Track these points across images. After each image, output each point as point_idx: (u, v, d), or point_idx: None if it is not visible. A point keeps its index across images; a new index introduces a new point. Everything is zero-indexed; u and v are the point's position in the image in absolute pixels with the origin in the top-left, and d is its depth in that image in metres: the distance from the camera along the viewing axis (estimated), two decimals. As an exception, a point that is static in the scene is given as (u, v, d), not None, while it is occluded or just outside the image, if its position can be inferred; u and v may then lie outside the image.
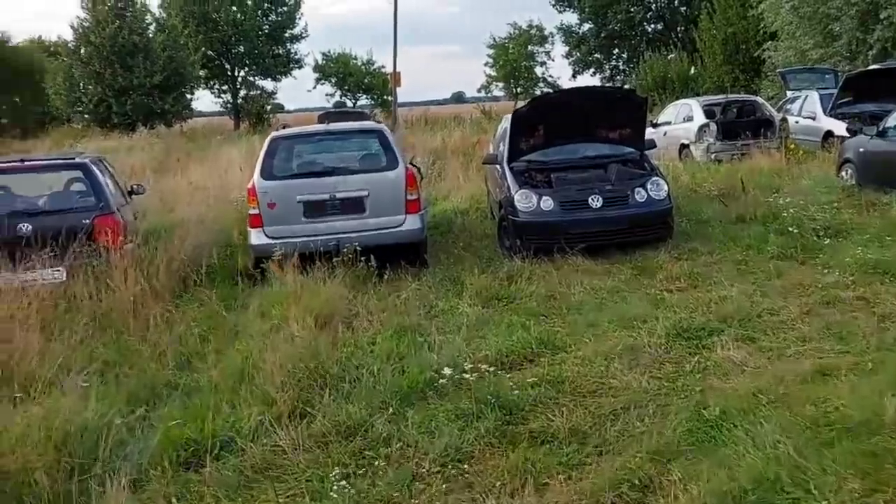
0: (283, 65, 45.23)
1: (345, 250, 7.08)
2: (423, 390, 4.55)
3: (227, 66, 44.26)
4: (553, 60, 52.00)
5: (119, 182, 8.59)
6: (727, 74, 28.36)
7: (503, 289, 6.93)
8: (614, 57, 43.16)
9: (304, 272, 6.67)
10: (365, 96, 47.97)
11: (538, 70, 48.86)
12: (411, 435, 4.00)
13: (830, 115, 13.94)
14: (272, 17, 44.88)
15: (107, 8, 32.25)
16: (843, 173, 10.38)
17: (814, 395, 4.22)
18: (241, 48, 43.57)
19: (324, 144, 8.58)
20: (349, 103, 46.46)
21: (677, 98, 21.89)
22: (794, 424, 3.87)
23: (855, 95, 13.51)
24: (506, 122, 9.79)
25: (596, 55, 42.78)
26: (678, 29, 39.65)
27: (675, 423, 4.01)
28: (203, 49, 39.64)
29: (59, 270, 6.71)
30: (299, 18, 45.35)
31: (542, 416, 4.23)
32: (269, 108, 45.21)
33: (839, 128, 13.14)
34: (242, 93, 44.84)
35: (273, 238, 7.42)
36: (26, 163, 7.72)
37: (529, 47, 47.96)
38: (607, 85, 37.33)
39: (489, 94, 51.44)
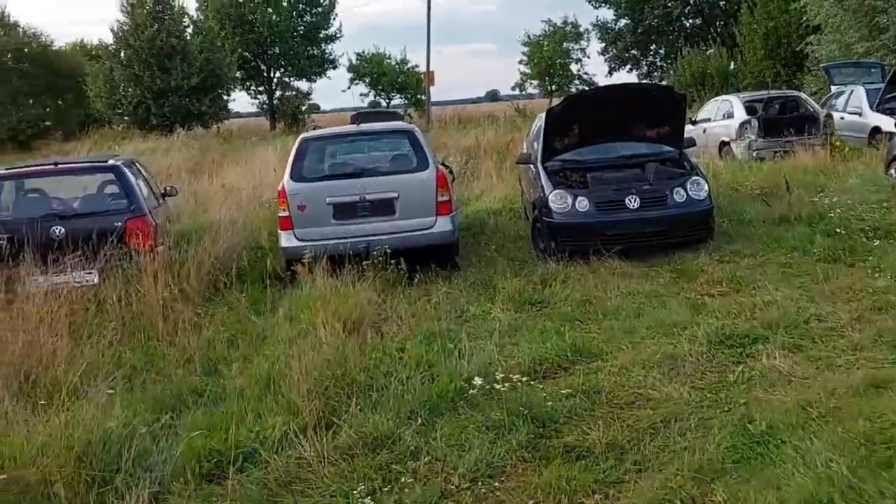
0: (318, 65, 45.46)
1: (374, 253, 6.96)
2: (452, 400, 4.40)
3: (263, 68, 44.63)
4: (588, 57, 51.42)
5: (152, 184, 8.60)
6: (768, 70, 27.67)
7: (537, 293, 6.75)
8: (651, 53, 42.45)
9: (333, 275, 6.57)
10: (399, 96, 48.00)
11: (573, 67, 48.46)
12: (440, 448, 3.85)
13: (877, 111, 13.44)
14: (307, 17, 45.13)
15: (145, 11, 32.71)
16: (893, 171, 9.95)
17: (867, 408, 3.96)
18: (277, 49, 43.89)
19: (354, 145, 8.50)
20: (383, 103, 46.56)
21: (716, 94, 21.41)
22: (847, 441, 3.63)
23: (903, 90, 13.02)
24: (540, 121, 9.59)
25: (632, 51, 42.12)
26: (717, 24, 38.83)
27: (719, 439, 3.80)
28: (239, 50, 40.04)
29: (91, 273, 6.71)
30: (334, 19, 45.56)
31: (576, 429, 4.05)
32: (304, 108, 45.55)
33: (887, 123, 12.65)
34: (278, 94, 45.21)
35: (303, 240, 7.35)
36: (59, 166, 7.76)
37: (564, 44, 47.55)
38: (644, 81, 36.70)
39: (523, 92, 51.17)
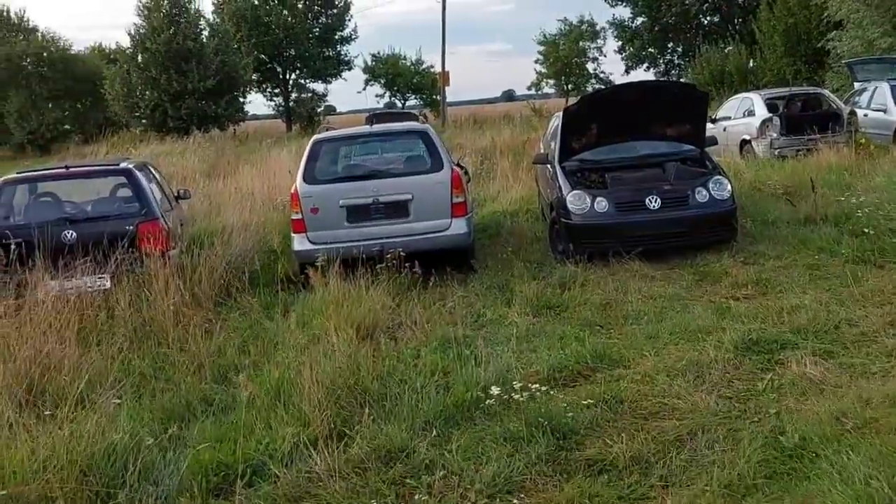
0: (334, 67, 45.52)
1: (388, 256, 6.82)
2: (469, 409, 4.24)
3: (279, 70, 44.74)
4: (605, 56, 51.23)
5: (165, 187, 8.51)
6: (788, 67, 27.24)
7: (555, 296, 6.57)
8: (669, 51, 42.03)
9: (346, 279, 6.43)
10: (414, 96, 47.96)
11: (590, 66, 48.17)
12: (456, 462, 3.69)
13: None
14: (322, 19, 45.18)
15: (162, 14, 32.85)
16: (921, 169, 9.68)
17: (906, 420, 3.77)
18: (292, 51, 43.98)
19: (367, 147, 8.37)
20: (399, 104, 46.53)
21: (736, 92, 21.07)
22: (886, 455, 3.42)
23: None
24: (557, 120, 9.40)
25: (650, 49, 41.73)
26: (735, 21, 38.35)
27: (749, 452, 3.61)
28: (255, 53, 40.15)
29: (102, 277, 6.62)
30: (349, 20, 45.60)
31: (599, 441, 3.87)
32: (320, 110, 45.60)
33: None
34: (294, 95, 45.29)
35: (316, 243, 7.23)
36: (71, 169, 7.69)
37: (581, 43, 47.25)
38: (664, 79, 36.33)
39: (540, 92, 50.95)
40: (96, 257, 6.38)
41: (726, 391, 4.42)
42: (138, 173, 7.50)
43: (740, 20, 37.50)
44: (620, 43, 42.54)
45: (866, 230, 7.49)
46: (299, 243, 7.35)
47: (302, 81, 45.70)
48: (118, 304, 5.89)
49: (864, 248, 7.07)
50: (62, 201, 7.72)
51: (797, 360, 4.68)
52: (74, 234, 6.82)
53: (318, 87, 46.05)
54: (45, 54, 39.67)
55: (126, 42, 35.00)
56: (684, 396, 4.34)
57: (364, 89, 47.94)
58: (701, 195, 7.74)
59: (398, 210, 7.42)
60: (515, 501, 3.39)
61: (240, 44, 37.53)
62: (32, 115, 38.02)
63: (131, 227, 6.88)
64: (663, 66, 41.94)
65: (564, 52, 46.78)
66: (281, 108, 45.57)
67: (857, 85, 16.46)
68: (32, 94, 38.71)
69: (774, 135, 13.85)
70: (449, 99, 41.41)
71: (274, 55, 43.75)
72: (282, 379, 4.45)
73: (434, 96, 44.80)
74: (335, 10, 45.03)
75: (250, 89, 40.64)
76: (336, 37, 45.43)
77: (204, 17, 36.55)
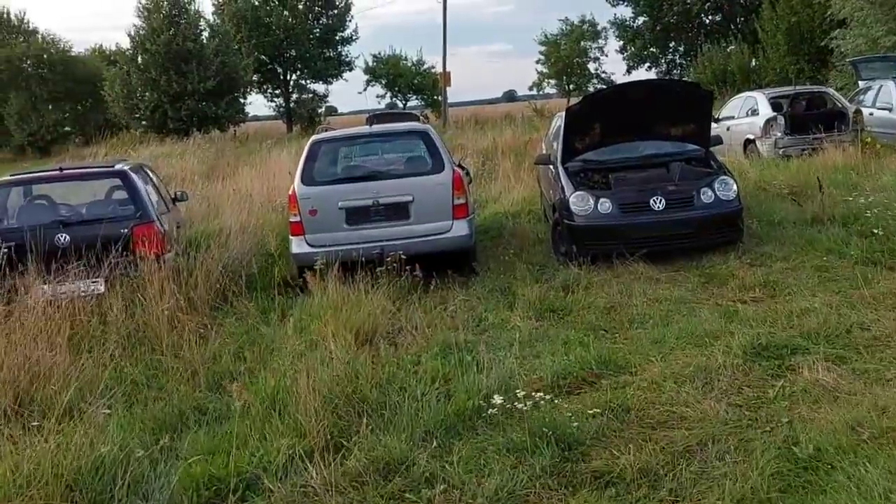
0: (334, 67, 45.39)
1: (388, 259, 6.68)
2: (471, 419, 4.10)
3: (279, 70, 44.63)
4: (607, 56, 51.14)
5: (161, 189, 8.38)
6: (791, 65, 27.07)
7: (558, 300, 6.43)
8: (670, 51, 41.86)
9: (345, 282, 6.29)
10: (415, 97, 47.86)
11: (591, 66, 48.06)
12: (457, 474, 3.54)
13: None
14: (323, 20, 45.06)
15: (161, 15, 32.74)
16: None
17: (925, 429, 3.63)
18: (293, 52, 43.86)
19: (366, 148, 8.23)
20: (399, 104, 46.42)
21: (738, 91, 20.91)
22: (906, 468, 3.29)
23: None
24: (559, 120, 9.27)
25: (651, 49, 41.56)
26: (737, 20, 38.19)
27: (762, 464, 3.47)
28: (255, 53, 40.03)
29: (97, 282, 6.49)
30: (349, 21, 45.49)
31: (605, 452, 3.73)
32: (321, 110, 45.48)
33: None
34: (294, 96, 45.17)
35: (315, 246, 7.09)
36: (65, 171, 7.56)
37: (582, 43, 47.15)
38: (668, 78, 36.15)
39: (541, 92, 50.86)
40: (89, 261, 6.24)
41: (736, 399, 4.28)
42: (133, 175, 7.37)
43: (742, 19, 37.34)
44: (622, 43, 42.43)
45: (875, 231, 7.35)
46: (297, 246, 7.22)
47: (302, 82, 45.60)
48: (111, 310, 5.74)
49: (874, 250, 6.93)
50: (56, 204, 7.59)
51: (809, 365, 4.54)
52: (68, 237, 6.69)
53: (319, 87, 46.00)
54: (45, 56, 39.60)
55: (126, 43, 34.93)
56: (693, 404, 4.20)
57: (365, 90, 47.84)
58: (706, 196, 7.60)
59: (398, 212, 7.29)
60: (519, 517, 3.26)
61: (240, 45, 37.40)
62: (32, 116, 37.94)
63: (126, 230, 6.74)
64: (665, 65, 41.79)
65: (566, 52, 46.68)
66: (281, 109, 45.47)
67: (861, 83, 16.29)
68: (32, 96, 38.64)
69: (779, 134, 13.69)
70: (450, 99, 41.30)
71: (274, 56, 43.64)
72: (277, 387, 4.31)
73: (435, 97, 44.68)
74: (336, 11, 44.92)
75: (251, 90, 40.55)
76: (337, 37, 45.31)
77: (204, 18, 36.52)
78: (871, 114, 14.29)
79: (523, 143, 17.62)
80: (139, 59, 33.55)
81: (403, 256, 6.74)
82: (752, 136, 14.25)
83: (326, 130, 8.61)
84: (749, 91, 18.11)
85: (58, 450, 3.48)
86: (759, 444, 3.68)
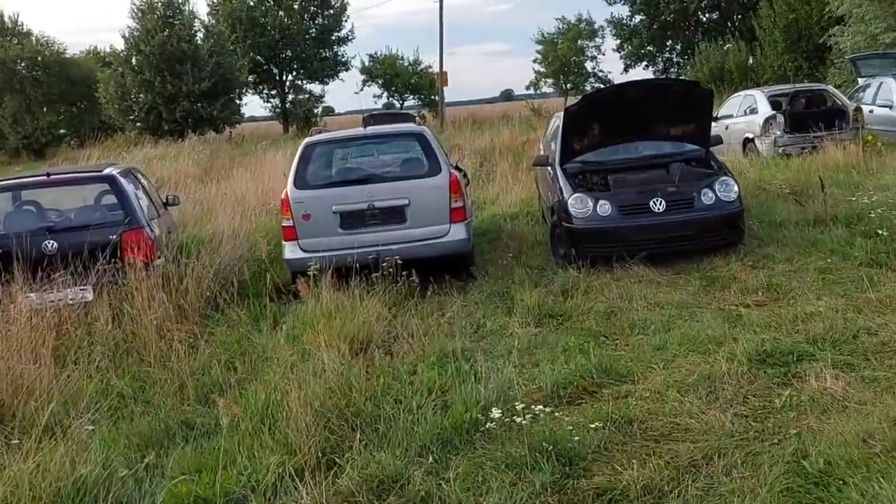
0: (331, 67, 45.22)
1: (384, 264, 6.53)
2: (468, 432, 3.96)
3: (275, 71, 44.45)
4: (604, 55, 50.94)
5: (152, 194, 8.22)
6: (789, 63, 26.99)
7: (557, 304, 6.29)
8: (667, 49, 41.74)
9: (340, 289, 6.15)
10: (412, 97, 47.68)
11: (588, 65, 47.87)
12: (454, 492, 3.40)
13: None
14: (319, 20, 44.89)
15: (156, 17, 32.56)
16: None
17: (939, 441, 3.49)
18: (289, 52, 43.68)
19: (361, 150, 8.08)
20: (397, 104, 46.26)
21: (736, 89, 20.78)
22: (921, 483, 3.16)
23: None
24: (557, 121, 9.13)
25: (648, 48, 41.45)
26: (735, 17, 38.08)
27: (771, 479, 3.34)
28: (251, 54, 39.85)
29: (85, 289, 6.34)
30: (346, 21, 45.32)
31: (607, 467, 3.59)
32: (317, 111, 45.31)
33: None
34: (291, 97, 44.99)
35: (308, 251, 6.94)
36: (52, 177, 7.39)
37: (579, 42, 46.95)
38: (667, 77, 36.01)
39: (538, 92, 50.68)
40: (77, 268, 6.09)
41: (742, 409, 4.14)
42: (122, 180, 7.21)
43: (739, 16, 37.23)
44: (619, 41, 42.34)
45: (880, 231, 7.21)
46: (290, 251, 7.06)
47: (299, 83, 45.43)
48: (98, 319, 5.59)
49: (878, 251, 6.80)
50: (44, 210, 7.43)
51: (816, 373, 4.40)
52: (55, 243, 6.53)
53: (315, 88, 45.83)
54: (39, 58, 39.39)
55: (120, 45, 34.77)
56: (697, 415, 4.07)
57: (361, 90, 47.61)
58: (707, 197, 7.47)
59: (394, 216, 7.14)
60: (519, 539, 3.12)
61: (235, 45, 37.24)
62: (27, 119, 37.76)
63: (115, 237, 6.59)
64: (662, 64, 41.69)
65: (563, 51, 46.49)
66: (278, 110, 45.29)
67: (860, 81, 16.17)
68: (27, 99, 38.46)
69: (778, 133, 13.56)
70: (448, 99, 41.21)
71: (270, 56, 43.46)
72: (268, 401, 4.16)
73: (432, 96, 44.53)
74: (332, 11, 44.75)
75: (246, 91, 40.39)
76: (333, 37, 45.14)
77: (199, 19, 36.32)
78: (871, 111, 14.18)
79: (521, 143, 17.51)
80: (133, 60, 33.37)
81: (399, 261, 6.60)
82: (751, 135, 14.13)
83: (321, 132, 8.43)
84: (747, 89, 17.99)
85: (37, 470, 3.33)
86: (766, 458, 3.55)
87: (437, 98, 41.84)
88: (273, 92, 45.03)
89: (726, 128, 14.49)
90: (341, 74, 46.13)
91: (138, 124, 33.32)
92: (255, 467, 3.59)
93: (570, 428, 3.89)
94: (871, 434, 3.63)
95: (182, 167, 16.67)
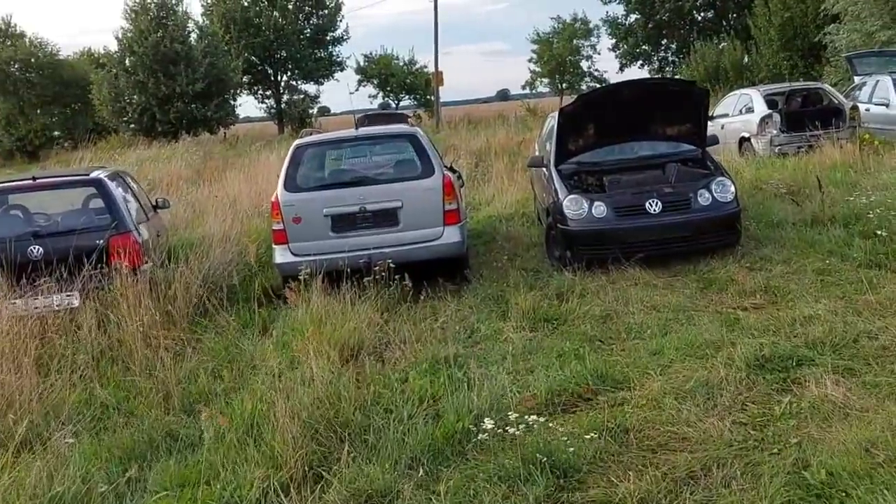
0: (326, 68, 45.09)
1: (377, 268, 6.42)
2: (460, 443, 3.85)
3: (270, 71, 44.30)
4: (599, 54, 50.97)
5: (140, 197, 8.10)
6: (785, 61, 26.90)
7: (553, 308, 6.18)
8: (663, 48, 41.67)
9: (331, 293, 6.04)
10: (408, 97, 47.61)
11: (584, 64, 47.88)
12: (445, 507, 3.30)
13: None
14: (313, 20, 44.75)
15: (149, 17, 32.40)
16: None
17: (944, 450, 3.39)
18: (283, 53, 43.54)
19: (352, 151, 7.95)
20: (392, 104, 46.18)
21: (731, 88, 20.68)
22: (927, 495, 3.06)
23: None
24: (552, 121, 9.02)
25: (644, 47, 41.35)
26: (730, 16, 38.02)
27: (772, 492, 3.24)
28: (245, 55, 39.68)
29: (71, 295, 6.23)
30: (340, 21, 45.20)
31: (603, 479, 3.48)
32: (313, 111, 45.19)
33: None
34: (286, 97, 44.85)
35: (299, 255, 6.83)
36: (38, 181, 7.27)
37: (574, 41, 46.96)
38: (661, 76, 35.93)
39: (534, 91, 50.66)
40: (62, 274, 5.97)
41: (740, 416, 4.04)
42: (110, 183, 7.09)
43: (735, 15, 37.16)
44: (614, 40, 42.25)
45: (879, 232, 7.12)
46: (281, 255, 6.94)
47: (293, 83, 45.28)
48: (82, 326, 5.47)
49: (878, 252, 6.71)
50: (31, 214, 7.31)
51: (816, 378, 4.30)
52: (41, 249, 6.41)
53: (311, 88, 45.70)
54: (32, 60, 39.14)
55: (114, 46, 34.58)
56: (695, 423, 3.96)
57: (356, 90, 47.50)
58: (703, 198, 7.38)
59: (387, 218, 7.03)
60: (511, 557, 3.01)
61: (230, 46, 37.06)
62: (20, 121, 37.53)
63: (101, 241, 6.47)
64: (657, 63, 41.60)
65: (558, 51, 46.48)
66: (273, 111, 45.15)
67: (856, 79, 16.10)
68: (20, 101, 38.20)
69: (774, 132, 13.48)
70: (443, 99, 41.07)
71: (265, 57, 43.32)
72: (254, 412, 4.05)
73: (428, 96, 44.44)
74: (326, 11, 44.62)
75: (241, 92, 40.21)
76: (328, 38, 45.01)
77: (192, 20, 36.20)
78: (867, 109, 14.11)
79: (517, 143, 17.41)
80: (127, 61, 33.21)
81: (392, 265, 6.50)
82: (747, 134, 14.05)
83: (311, 133, 8.32)
84: (743, 88, 17.91)
85: (12, 486, 3.21)
86: (766, 469, 3.44)
87: (432, 98, 41.74)
88: (268, 92, 44.91)
89: (722, 127, 14.41)
90: (336, 75, 46.08)
91: (132, 126, 33.15)
92: (239, 482, 3.48)
93: (565, 438, 3.78)
94: (873, 443, 3.53)
95: (174, 169, 16.54)
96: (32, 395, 4.26)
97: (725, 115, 15.20)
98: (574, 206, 7.39)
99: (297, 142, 7.68)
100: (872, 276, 6.13)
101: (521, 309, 6.11)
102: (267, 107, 45.39)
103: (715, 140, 8.90)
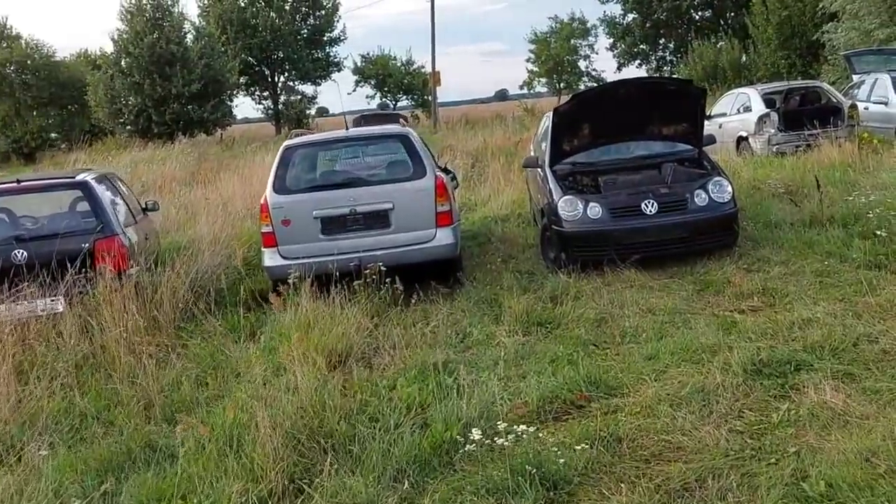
0: (323, 68, 44.99)
1: (367, 271, 6.30)
2: (447, 453, 3.73)
3: (267, 72, 44.19)
4: (597, 53, 50.85)
5: (128, 200, 7.97)
6: (783, 60, 26.82)
7: (546, 311, 6.06)
8: (660, 47, 41.63)
9: (320, 297, 5.91)
10: (405, 97, 47.51)
11: (582, 64, 47.84)
12: (430, 521, 3.18)
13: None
14: (310, 21, 44.64)
15: (145, 19, 32.27)
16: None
17: (947, 460, 3.27)
18: (280, 53, 43.42)
19: (343, 153, 7.80)
20: (390, 104, 46.10)
21: (729, 87, 20.58)
22: (930, 507, 2.94)
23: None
24: (547, 121, 8.90)
25: (641, 46, 41.32)
26: (728, 15, 37.95)
27: (769, 504, 3.11)
28: (242, 55, 39.56)
29: (55, 300, 6.10)
30: (337, 21, 45.09)
31: (594, 491, 3.37)
32: (310, 111, 45.08)
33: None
34: (283, 98, 44.73)
35: (288, 258, 6.70)
36: (23, 184, 7.14)
37: (572, 41, 46.90)
38: (658, 75, 35.85)
39: (532, 91, 50.60)
40: (46, 279, 5.85)
41: (737, 424, 3.92)
42: (97, 186, 6.97)
43: (732, 14, 37.09)
44: (612, 40, 42.20)
45: (878, 232, 7.00)
46: (270, 259, 6.82)
47: (290, 84, 45.16)
48: (63, 333, 5.34)
49: (877, 252, 6.59)
50: (16, 218, 7.18)
51: (815, 384, 4.18)
52: (25, 252, 6.29)
53: (308, 89, 45.59)
54: (28, 62, 39.04)
55: (110, 47, 34.44)
56: (690, 431, 3.85)
57: (353, 90, 47.42)
58: (700, 198, 7.26)
59: (378, 220, 6.90)
60: (497, 575, 2.89)
61: (226, 46, 36.94)
62: (16, 123, 37.44)
63: (87, 245, 6.35)
64: (655, 62, 41.57)
65: (556, 51, 46.42)
66: (270, 112, 45.03)
67: (855, 77, 15.99)
68: (16, 103, 38.13)
69: (772, 131, 13.36)
70: (441, 99, 40.95)
71: (261, 58, 43.21)
72: (235, 421, 3.92)
73: (425, 96, 44.34)
74: (323, 12, 44.51)
75: (238, 93, 40.09)
76: (325, 38, 44.90)
77: (189, 21, 36.02)
78: (865, 108, 14.01)
79: (514, 143, 17.29)
80: (122, 62, 33.07)
81: (383, 268, 6.37)
82: (744, 134, 13.94)
83: (303, 134, 8.19)
84: (741, 87, 17.80)
85: (-20, 503, 3.09)
86: (764, 480, 3.33)
87: (430, 98, 41.64)
88: (265, 93, 44.78)
89: (720, 126, 14.30)
90: (334, 75, 45.99)
91: (128, 127, 33.02)
92: (216, 496, 3.35)
93: (555, 448, 3.65)
94: (874, 452, 3.42)
95: (169, 171, 16.41)
96: (9, 404, 4.13)
97: (723, 115, 15.09)
98: (569, 207, 7.28)
99: (287, 143, 7.56)
100: (872, 277, 6.01)
101: (514, 312, 5.99)
102: (264, 108, 45.36)
103: (712, 140, 8.76)
